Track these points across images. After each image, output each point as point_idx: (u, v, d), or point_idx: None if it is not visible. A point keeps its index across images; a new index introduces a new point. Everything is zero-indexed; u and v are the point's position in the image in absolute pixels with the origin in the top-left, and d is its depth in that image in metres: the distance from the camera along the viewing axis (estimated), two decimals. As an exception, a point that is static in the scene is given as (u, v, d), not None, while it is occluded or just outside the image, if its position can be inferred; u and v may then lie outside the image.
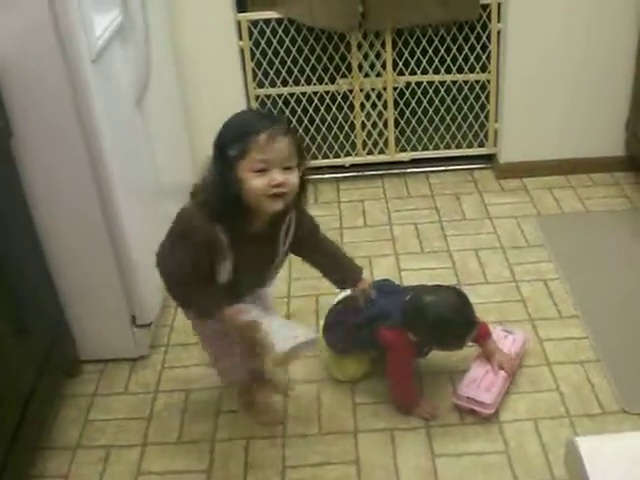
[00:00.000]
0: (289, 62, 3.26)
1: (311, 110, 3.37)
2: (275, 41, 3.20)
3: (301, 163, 1.86)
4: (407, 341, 2.17)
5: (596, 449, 0.72)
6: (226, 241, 1.86)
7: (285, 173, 1.80)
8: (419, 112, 3.41)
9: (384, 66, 3.28)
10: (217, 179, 1.85)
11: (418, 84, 3.35)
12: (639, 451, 0.72)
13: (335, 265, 2.18)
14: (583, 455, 0.71)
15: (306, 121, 3.39)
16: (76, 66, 1.99)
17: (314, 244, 2.13)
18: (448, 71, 3.32)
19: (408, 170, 3.49)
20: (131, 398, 2.37)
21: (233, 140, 1.84)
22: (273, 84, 3.32)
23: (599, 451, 0.72)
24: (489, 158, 3.49)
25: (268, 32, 3.18)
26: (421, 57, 3.28)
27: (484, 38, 3.22)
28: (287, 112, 3.36)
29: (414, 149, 3.50)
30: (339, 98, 3.36)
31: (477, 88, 3.35)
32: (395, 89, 3.35)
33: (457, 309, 2.15)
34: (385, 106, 3.37)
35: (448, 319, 2.12)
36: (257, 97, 3.31)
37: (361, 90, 3.34)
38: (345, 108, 3.39)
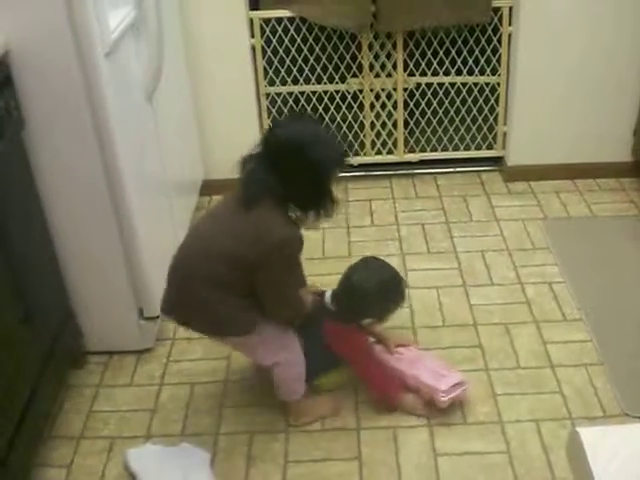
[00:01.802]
0: (300, 61, 3.27)
1: (321, 109, 3.38)
2: (287, 39, 3.21)
3: None
4: (353, 328, 2.22)
5: (598, 439, 0.73)
6: None
7: None
8: (429, 113, 3.42)
9: (395, 67, 3.29)
10: (313, 189, 2.00)
11: (428, 85, 3.36)
12: (641, 442, 0.74)
13: None
14: (585, 445, 0.72)
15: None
16: (90, 59, 2.00)
17: None
18: (458, 73, 3.33)
19: (416, 171, 3.50)
20: (136, 390, 2.39)
21: (336, 162, 2.01)
22: (284, 82, 3.33)
23: (601, 441, 0.73)
24: (497, 161, 3.50)
25: (280, 30, 3.19)
26: (432, 58, 3.29)
27: (495, 41, 3.23)
28: (297, 110, 3.38)
29: (423, 150, 3.51)
30: (349, 97, 3.37)
31: (487, 91, 3.36)
32: (405, 90, 3.36)
33: (380, 273, 2.25)
34: (395, 106, 3.39)
35: (381, 286, 2.22)
36: (267, 95, 3.32)
37: (371, 90, 3.35)
38: (355, 108, 3.40)
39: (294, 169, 1.94)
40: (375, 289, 2.21)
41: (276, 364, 2.13)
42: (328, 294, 2.27)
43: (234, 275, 1.96)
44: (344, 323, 2.23)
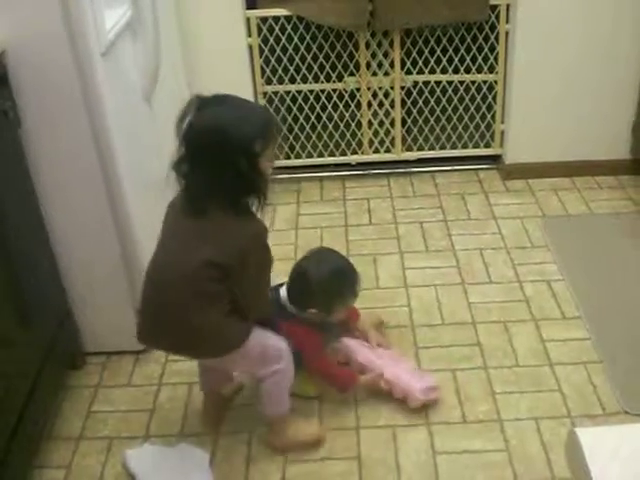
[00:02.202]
0: (297, 59, 3.27)
1: (318, 108, 3.38)
2: (284, 38, 3.20)
3: None
4: (306, 327, 2.22)
5: (597, 440, 0.73)
6: None
7: None
8: (426, 111, 3.42)
9: (392, 65, 3.29)
10: (242, 176, 1.82)
11: (425, 83, 3.36)
12: (639, 442, 0.73)
13: None
14: (584, 446, 0.72)
15: (313, 119, 3.40)
16: (86, 59, 2.00)
17: None
18: (456, 71, 3.32)
19: (414, 169, 3.50)
20: (134, 390, 2.38)
21: (257, 136, 1.83)
22: (281, 81, 3.33)
23: (600, 442, 0.73)
24: (495, 159, 3.50)
25: (277, 29, 3.19)
26: (429, 57, 3.29)
27: (492, 39, 3.22)
28: (294, 109, 3.37)
29: (420, 148, 3.50)
30: (346, 96, 3.36)
31: (484, 89, 3.35)
32: (402, 88, 3.36)
33: (332, 264, 2.26)
34: (392, 105, 3.38)
35: (330, 276, 2.22)
36: (265, 94, 3.32)
37: (368, 88, 3.35)
38: (352, 106, 3.40)
39: (218, 162, 1.81)
40: (322, 278, 2.22)
41: (268, 376, 2.03)
42: (283, 289, 2.27)
43: (215, 284, 1.85)
44: (297, 320, 2.22)
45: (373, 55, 3.29)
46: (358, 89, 3.35)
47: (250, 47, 3.19)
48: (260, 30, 3.17)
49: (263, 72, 3.27)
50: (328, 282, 2.23)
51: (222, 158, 1.80)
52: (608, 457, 0.69)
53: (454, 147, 3.49)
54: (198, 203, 1.85)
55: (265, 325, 2.04)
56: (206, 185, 1.83)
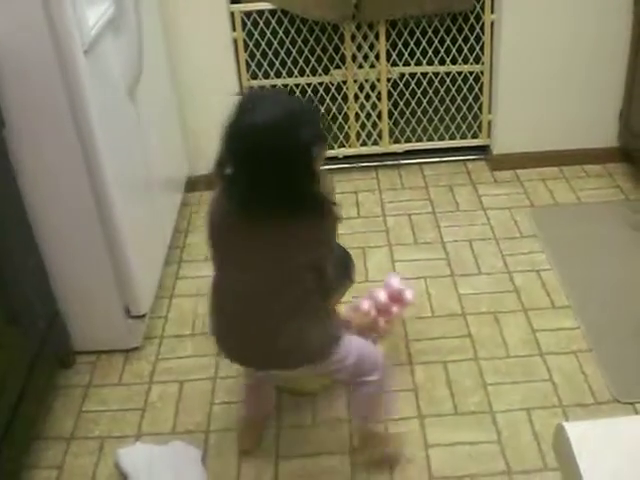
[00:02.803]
0: (282, 53, 3.26)
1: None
2: (268, 32, 3.19)
3: None
4: None
5: (585, 434, 0.73)
6: None
7: None
8: (413, 103, 3.41)
9: (378, 57, 3.28)
10: (307, 175, 1.69)
11: (412, 75, 3.35)
12: (628, 436, 0.73)
13: None
14: (572, 440, 0.71)
15: (300, 112, 3.38)
16: (68, 57, 1.98)
17: None
18: (442, 62, 3.31)
19: (402, 161, 3.49)
20: (125, 389, 2.38)
21: (318, 139, 1.71)
22: (266, 75, 3.31)
23: (588, 436, 0.73)
24: (483, 149, 3.49)
25: (261, 23, 3.17)
26: (415, 48, 3.28)
27: (478, 29, 3.22)
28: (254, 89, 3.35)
29: (408, 140, 3.50)
30: (333, 89, 3.35)
31: (471, 79, 3.35)
32: (389, 80, 3.35)
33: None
34: (379, 97, 3.37)
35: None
36: (250, 89, 3.30)
37: (355, 81, 3.34)
38: (339, 99, 3.39)
39: (284, 164, 1.65)
40: None
41: (360, 384, 1.93)
42: None
43: (314, 285, 1.77)
44: None
45: (359, 47, 3.28)
46: (344, 82, 3.34)
47: (235, 41, 3.17)
48: (244, 24, 3.16)
49: (248, 66, 3.26)
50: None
51: (288, 161, 1.66)
52: (597, 452, 0.69)
53: (442, 138, 3.48)
54: (268, 209, 1.68)
55: None
56: (275, 189, 1.66)
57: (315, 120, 1.74)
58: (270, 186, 1.66)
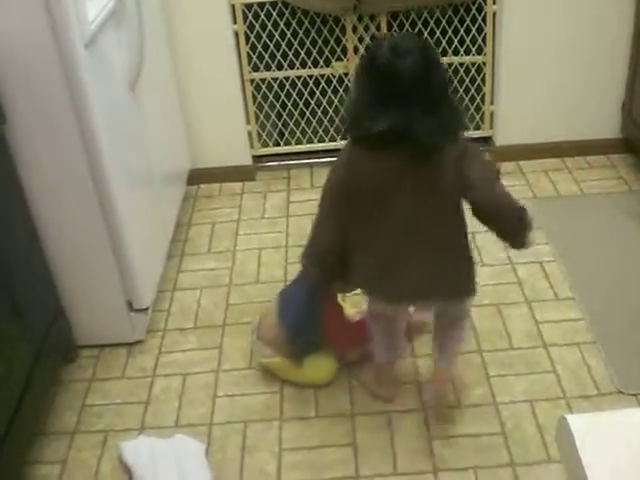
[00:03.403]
0: (284, 45, 3.24)
1: (307, 94, 3.36)
2: (270, 24, 3.18)
3: None
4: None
5: (588, 426, 0.72)
6: None
7: None
8: (415, 95, 3.39)
9: (379, 49, 3.26)
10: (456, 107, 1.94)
11: (414, 67, 3.33)
12: (631, 428, 0.72)
13: None
14: (574, 432, 0.71)
15: (302, 105, 3.37)
16: (69, 51, 1.97)
17: None
18: (444, 53, 3.29)
19: (404, 153, 3.48)
20: (128, 383, 2.38)
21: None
22: (268, 68, 3.30)
23: (591, 428, 0.72)
24: (485, 141, 3.48)
25: (262, 15, 3.16)
26: (416, 40, 3.26)
27: (479, 20, 3.20)
28: (282, 96, 3.35)
29: (410, 132, 3.48)
30: (334, 81, 3.34)
31: (473, 70, 3.34)
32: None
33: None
34: (381, 89, 3.36)
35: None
36: (252, 81, 3.30)
37: (356, 73, 3.32)
38: (340, 91, 3.38)
39: (440, 98, 1.79)
40: None
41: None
42: None
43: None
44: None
45: (360, 39, 3.27)
46: (346, 74, 3.33)
47: (236, 34, 3.16)
48: (246, 17, 3.15)
49: (250, 59, 3.25)
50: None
51: (443, 93, 1.81)
52: (599, 444, 0.69)
53: (444, 130, 3.47)
54: (434, 144, 1.77)
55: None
56: (439, 123, 1.76)
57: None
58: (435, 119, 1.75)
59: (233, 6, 3.11)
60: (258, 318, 2.36)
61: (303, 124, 3.42)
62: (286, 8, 3.16)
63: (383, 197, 1.86)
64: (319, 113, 3.41)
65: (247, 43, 3.20)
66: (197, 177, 3.29)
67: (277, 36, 3.21)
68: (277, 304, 2.28)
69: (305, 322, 2.21)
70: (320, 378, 2.30)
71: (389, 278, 1.95)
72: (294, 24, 3.20)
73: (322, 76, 3.34)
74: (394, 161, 1.80)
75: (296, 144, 3.45)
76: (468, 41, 3.26)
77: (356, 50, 3.27)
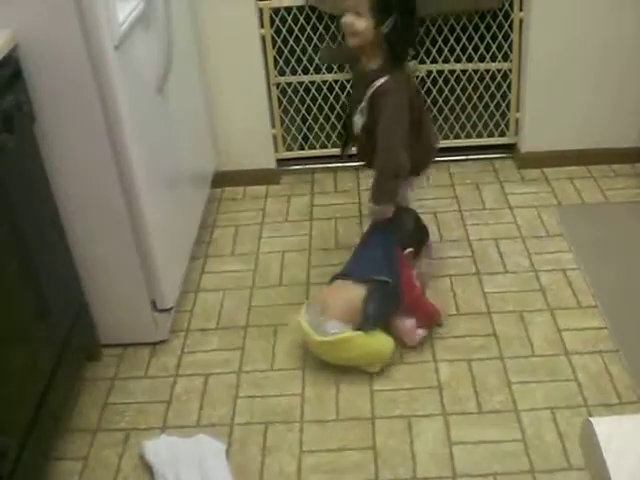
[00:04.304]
0: (310, 50, 3.26)
1: (332, 98, 3.37)
2: (296, 29, 3.20)
3: (375, 17, 2.26)
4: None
5: (612, 429, 0.73)
6: None
7: (354, 18, 2.27)
8: (440, 101, 3.40)
9: (405, 54, 3.27)
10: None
11: (440, 72, 3.34)
12: (655, 433, 0.73)
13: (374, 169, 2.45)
14: (599, 435, 0.71)
15: (327, 109, 3.39)
16: (99, 52, 2.00)
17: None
18: (470, 60, 3.30)
19: (428, 159, 3.48)
20: (151, 382, 2.40)
21: None
22: (294, 72, 3.32)
23: (615, 431, 0.72)
24: (510, 148, 3.48)
25: (289, 20, 3.18)
26: (443, 45, 3.27)
27: (506, 27, 3.20)
28: (308, 100, 3.37)
29: (435, 138, 3.48)
30: (360, 86, 3.35)
31: (499, 77, 3.33)
32: (416, 77, 3.34)
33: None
34: (406, 95, 3.36)
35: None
36: (278, 85, 3.31)
37: (382, 78, 3.33)
38: (366, 96, 3.38)
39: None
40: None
41: None
42: None
43: None
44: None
45: (386, 45, 3.27)
46: (371, 79, 3.33)
47: (263, 38, 3.18)
48: (273, 21, 3.16)
49: (276, 63, 3.27)
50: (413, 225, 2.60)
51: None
52: (624, 447, 0.69)
53: (469, 136, 3.47)
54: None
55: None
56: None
57: None
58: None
59: (261, 10, 3.13)
60: (319, 296, 2.43)
61: (328, 128, 3.43)
62: (313, 12, 3.17)
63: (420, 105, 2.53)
64: (344, 117, 3.42)
65: (274, 47, 3.22)
66: (222, 180, 3.31)
67: (304, 40, 3.23)
68: (353, 267, 2.42)
69: (392, 286, 2.34)
70: (388, 350, 2.35)
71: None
72: (321, 28, 3.21)
73: (347, 81, 3.34)
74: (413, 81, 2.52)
75: (320, 148, 3.46)
76: (494, 48, 3.26)
77: (382, 55, 3.27)
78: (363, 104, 2.37)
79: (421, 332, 2.43)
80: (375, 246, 2.44)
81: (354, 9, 2.26)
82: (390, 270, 2.35)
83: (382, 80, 2.31)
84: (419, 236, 2.55)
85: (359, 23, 2.26)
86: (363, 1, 2.24)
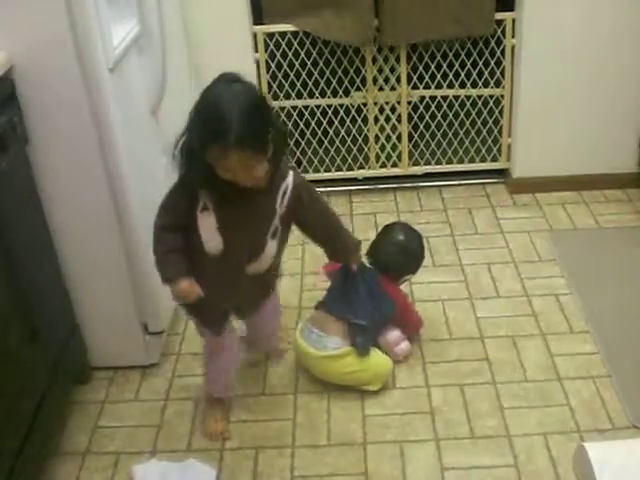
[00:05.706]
0: (304, 75, 3.28)
1: (325, 123, 3.38)
2: (290, 54, 3.22)
3: (271, 147, 1.87)
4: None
5: (605, 454, 0.73)
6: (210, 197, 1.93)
7: (251, 170, 1.84)
8: (433, 126, 3.42)
9: (398, 80, 3.30)
10: (188, 152, 1.91)
11: (432, 98, 3.36)
12: (648, 457, 0.73)
13: (331, 238, 2.23)
14: (592, 460, 0.71)
15: (320, 134, 3.40)
16: (93, 75, 2.00)
17: (312, 216, 2.11)
18: (462, 86, 3.32)
19: (421, 184, 3.50)
20: (141, 405, 2.38)
21: (207, 135, 1.87)
22: (288, 96, 3.33)
23: (608, 456, 0.72)
24: (502, 173, 3.49)
25: (284, 45, 3.20)
26: (435, 71, 3.29)
27: (498, 53, 3.23)
28: (301, 124, 3.38)
29: (427, 163, 3.50)
30: (353, 111, 3.37)
31: (491, 103, 3.36)
32: (409, 103, 3.36)
33: (415, 232, 2.58)
34: (399, 120, 3.39)
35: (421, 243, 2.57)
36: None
37: (375, 103, 3.35)
38: (359, 121, 3.40)
39: None
40: (420, 247, 2.55)
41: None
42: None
43: None
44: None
45: (380, 70, 3.30)
46: (365, 104, 3.36)
47: (257, 62, 3.20)
48: (267, 45, 3.18)
49: (270, 87, 3.28)
50: (422, 250, 2.55)
51: None
52: (617, 471, 0.69)
53: (461, 161, 3.49)
54: None
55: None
56: None
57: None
58: None
59: (255, 35, 3.15)
60: (315, 316, 2.42)
61: (321, 153, 3.44)
62: (307, 38, 3.19)
63: None
64: (337, 142, 3.44)
65: (268, 72, 3.23)
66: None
67: (297, 65, 3.25)
68: (333, 305, 2.38)
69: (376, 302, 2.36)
70: (388, 365, 2.37)
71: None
72: (314, 54, 3.23)
73: (341, 106, 3.37)
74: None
75: (314, 172, 3.47)
76: (487, 74, 3.28)
77: (375, 80, 3.30)
78: (275, 222, 2.01)
79: (404, 346, 2.47)
80: (357, 285, 2.35)
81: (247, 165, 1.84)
82: (370, 310, 2.34)
83: (290, 177, 2.01)
84: (420, 261, 2.57)
85: (261, 168, 1.86)
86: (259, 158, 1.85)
